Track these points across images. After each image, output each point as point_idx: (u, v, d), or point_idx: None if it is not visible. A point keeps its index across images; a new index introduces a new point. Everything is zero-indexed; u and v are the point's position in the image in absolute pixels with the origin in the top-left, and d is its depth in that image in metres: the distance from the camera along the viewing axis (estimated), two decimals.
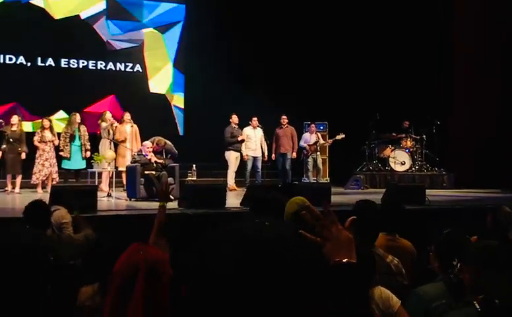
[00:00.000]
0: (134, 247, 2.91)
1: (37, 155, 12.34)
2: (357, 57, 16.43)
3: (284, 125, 14.71)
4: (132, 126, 13.07)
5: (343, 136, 14.82)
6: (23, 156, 12.30)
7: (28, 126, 14.18)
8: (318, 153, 15.06)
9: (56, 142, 12.53)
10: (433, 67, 16.03)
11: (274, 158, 14.53)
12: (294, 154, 14.69)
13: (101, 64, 16.16)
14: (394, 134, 15.96)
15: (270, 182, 13.68)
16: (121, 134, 12.99)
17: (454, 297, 3.20)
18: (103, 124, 13.00)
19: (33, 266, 3.23)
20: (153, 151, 11.65)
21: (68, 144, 12.54)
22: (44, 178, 12.29)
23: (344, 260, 1.73)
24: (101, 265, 3.17)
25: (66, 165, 12.59)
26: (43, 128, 12.48)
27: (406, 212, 4.86)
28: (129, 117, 13.18)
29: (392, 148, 15.75)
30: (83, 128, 12.86)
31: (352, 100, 16.00)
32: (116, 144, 12.86)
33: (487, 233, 5.11)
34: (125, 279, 2.79)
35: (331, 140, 15.24)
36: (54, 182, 12.20)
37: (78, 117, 12.85)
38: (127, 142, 12.92)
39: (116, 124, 13.11)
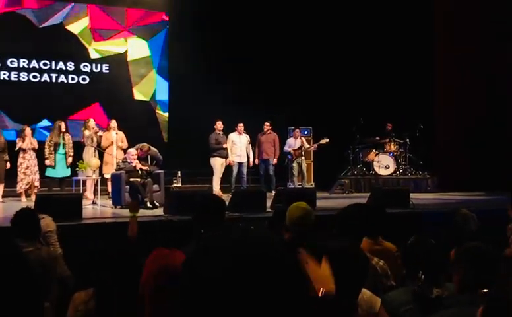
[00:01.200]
0: (157, 255, 2.93)
1: (18, 163, 12.29)
2: (340, 62, 16.52)
3: (267, 131, 14.74)
4: (117, 133, 13.04)
5: (327, 140, 14.88)
6: (8, 165, 12.24)
7: (11, 134, 14.09)
8: (303, 158, 15.10)
9: (36, 148, 12.44)
10: (414, 70, 16.12)
11: (256, 164, 14.53)
12: (275, 161, 14.72)
13: (85, 71, 16.10)
14: (378, 138, 16.05)
15: (254, 187, 13.73)
16: (107, 141, 12.96)
17: (420, 309, 3.26)
18: (87, 132, 12.96)
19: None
20: (138, 157, 11.64)
21: (53, 152, 12.49)
22: (27, 187, 12.23)
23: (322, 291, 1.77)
24: (95, 271, 3.17)
25: (50, 173, 12.53)
26: (23, 137, 12.41)
27: (388, 215, 4.91)
28: (115, 125, 13.14)
29: (376, 152, 15.85)
30: (67, 136, 12.81)
31: (336, 105, 16.07)
32: (101, 152, 12.83)
33: (444, 234, 5.19)
34: (162, 283, 2.82)
35: (316, 145, 15.29)
36: (36, 190, 12.14)
37: (62, 126, 12.79)
38: (113, 150, 12.88)
39: (100, 132, 13.07)
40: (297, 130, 15.36)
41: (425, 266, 3.46)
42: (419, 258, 3.56)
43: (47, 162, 12.44)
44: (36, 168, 12.42)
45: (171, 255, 2.97)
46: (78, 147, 12.94)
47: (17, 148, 12.32)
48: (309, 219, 4.31)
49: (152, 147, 12.17)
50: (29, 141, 12.39)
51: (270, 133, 14.75)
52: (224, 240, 1.30)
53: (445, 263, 3.56)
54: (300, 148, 15.04)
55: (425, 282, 3.36)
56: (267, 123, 14.73)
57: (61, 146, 12.61)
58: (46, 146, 12.52)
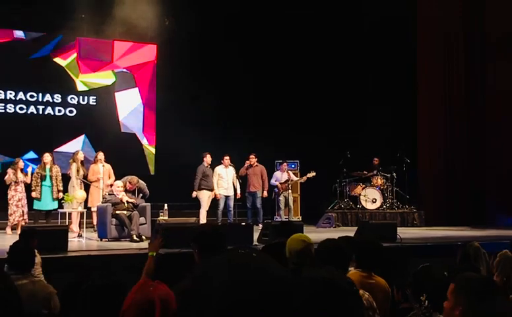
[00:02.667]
0: (143, 284, 2.91)
1: (9, 196, 12.20)
2: (327, 96, 16.66)
3: (253, 164, 14.73)
4: (103, 166, 12.98)
5: (314, 174, 14.91)
6: None
7: None
8: (289, 191, 15.10)
9: (28, 182, 12.38)
10: (399, 106, 16.26)
11: (239, 197, 14.43)
12: (265, 193, 14.70)
13: (71, 104, 16.08)
14: (364, 172, 16.10)
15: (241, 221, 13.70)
16: (94, 173, 12.90)
17: None
18: (73, 164, 12.91)
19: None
20: (125, 190, 11.60)
21: (39, 184, 12.41)
22: (20, 218, 12.13)
23: None
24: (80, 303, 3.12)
25: (37, 206, 12.43)
26: (15, 169, 12.34)
27: (384, 250, 4.90)
28: (102, 157, 13.08)
29: (363, 186, 15.88)
30: (55, 169, 12.71)
31: (323, 138, 16.15)
32: (87, 184, 12.76)
33: (457, 268, 5.19)
34: (139, 315, 2.80)
35: (303, 178, 15.31)
36: (23, 222, 12.04)
37: (45, 157, 12.70)
38: (99, 182, 12.81)
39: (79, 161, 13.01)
40: (285, 163, 15.38)
41: (431, 291, 3.46)
42: (426, 284, 3.56)
43: (33, 194, 12.36)
44: (25, 201, 12.35)
45: (156, 288, 2.95)
46: (65, 179, 12.86)
47: (9, 181, 12.22)
48: (309, 252, 4.30)
49: (140, 180, 12.13)
50: (21, 174, 12.32)
51: (256, 165, 14.75)
52: (226, 265, 1.30)
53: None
54: (287, 181, 15.06)
55: (429, 307, 3.36)
56: (252, 156, 14.73)
57: (48, 178, 12.53)
58: (33, 178, 12.46)
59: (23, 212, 12.19)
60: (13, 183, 12.24)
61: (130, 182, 11.84)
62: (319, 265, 4.13)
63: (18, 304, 3.10)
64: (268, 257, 1.40)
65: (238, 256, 1.33)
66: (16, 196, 12.20)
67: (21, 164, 12.48)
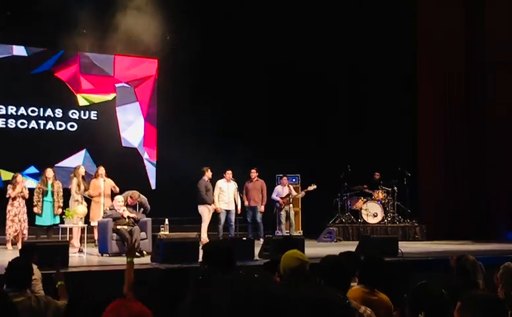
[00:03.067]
0: (117, 303, 2.87)
1: (6, 211, 12.18)
2: (329, 110, 16.67)
3: (254, 178, 14.73)
4: (105, 180, 12.97)
5: (315, 187, 14.91)
6: None
7: None
8: (291, 206, 15.09)
9: (26, 197, 12.36)
10: (400, 119, 16.28)
11: (240, 212, 14.40)
12: (262, 208, 14.68)
13: (72, 118, 16.10)
14: (365, 186, 16.09)
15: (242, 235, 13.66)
16: (95, 188, 12.88)
17: None
18: (74, 179, 12.90)
19: None
20: (126, 205, 11.59)
21: (41, 199, 12.40)
22: (15, 234, 12.10)
23: None
24: None
25: (38, 221, 12.41)
26: (14, 184, 12.32)
27: (387, 266, 4.87)
28: (103, 172, 13.07)
29: (364, 200, 15.86)
30: (57, 184, 12.70)
31: (324, 152, 16.15)
32: (88, 199, 12.75)
33: (458, 284, 5.17)
34: None
35: (303, 192, 15.31)
36: (24, 238, 12.01)
37: (47, 173, 12.70)
38: (100, 197, 12.79)
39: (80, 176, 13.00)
40: (285, 178, 15.38)
41: (430, 309, 3.45)
42: (424, 300, 3.54)
43: (35, 210, 12.34)
44: (25, 216, 12.29)
45: (129, 307, 2.90)
46: (66, 194, 12.85)
47: (7, 196, 12.21)
48: (304, 269, 4.25)
49: (141, 195, 12.12)
50: (19, 189, 12.29)
51: (257, 180, 14.75)
52: (226, 291, 1.29)
53: (448, 309, 3.54)
54: (288, 195, 15.05)
55: None
56: (253, 170, 14.74)
57: (49, 194, 12.51)
58: (35, 194, 12.44)
59: (21, 227, 12.15)
60: (11, 198, 12.21)
61: (131, 197, 11.84)
62: (314, 282, 4.10)
63: None
64: (270, 276, 1.40)
65: (240, 279, 1.33)
66: (13, 211, 12.16)
67: (20, 178, 12.45)
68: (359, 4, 16.38)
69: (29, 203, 12.46)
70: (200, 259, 4.31)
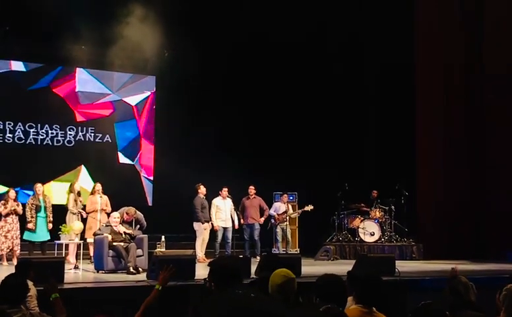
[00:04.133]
0: None
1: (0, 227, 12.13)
2: (326, 128, 16.69)
3: (252, 195, 14.70)
4: (101, 197, 12.94)
5: (311, 207, 14.90)
6: None
7: None
8: (286, 223, 15.07)
9: (19, 213, 12.30)
10: (398, 137, 16.29)
11: (237, 228, 14.36)
12: (262, 220, 14.65)
13: (70, 134, 16.09)
14: (363, 204, 16.06)
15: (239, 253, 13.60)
16: (92, 205, 12.85)
17: None
18: (71, 195, 12.87)
19: None
20: (123, 221, 11.56)
21: (35, 215, 12.34)
22: (8, 250, 12.03)
23: None
24: None
25: (30, 237, 12.33)
26: (6, 200, 12.27)
27: (384, 285, 4.84)
28: (100, 188, 13.05)
29: (362, 218, 15.82)
30: (48, 199, 12.68)
31: (321, 170, 16.13)
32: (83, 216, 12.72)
33: (458, 304, 5.13)
34: None
35: (300, 211, 15.28)
36: (17, 254, 11.95)
37: (37, 188, 12.65)
38: (97, 214, 12.75)
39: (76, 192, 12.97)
40: (285, 195, 15.38)
41: None
42: None
43: (29, 226, 12.26)
44: (18, 233, 12.25)
45: None
46: (62, 210, 12.80)
47: (2, 211, 12.16)
48: (291, 286, 4.25)
49: (137, 211, 12.08)
50: (12, 204, 12.24)
51: (254, 197, 14.72)
52: (226, 306, 1.28)
53: None
54: (284, 213, 15.03)
55: None
56: (252, 187, 14.71)
57: (42, 209, 12.47)
58: (28, 210, 12.37)
59: (13, 244, 12.09)
60: (3, 214, 12.16)
61: (127, 213, 11.80)
62: (306, 300, 4.09)
63: None
64: (265, 296, 1.38)
65: (238, 298, 1.31)
66: (6, 227, 12.11)
67: (12, 194, 12.40)
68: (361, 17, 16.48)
69: (21, 218, 12.40)
70: (206, 276, 4.32)
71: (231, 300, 1.31)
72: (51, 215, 12.58)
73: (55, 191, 14.08)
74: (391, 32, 15.83)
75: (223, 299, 1.32)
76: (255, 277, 9.84)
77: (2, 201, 12.34)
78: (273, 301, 1.26)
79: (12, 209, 12.19)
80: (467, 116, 16.16)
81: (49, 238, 12.42)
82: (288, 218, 15.12)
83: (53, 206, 12.83)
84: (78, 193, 12.99)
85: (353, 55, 16.75)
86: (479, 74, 16.20)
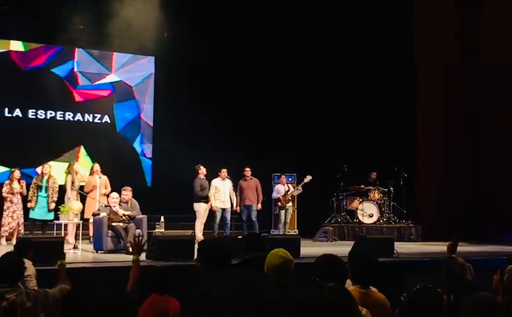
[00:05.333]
0: (154, 298, 2.89)
1: (5, 207, 12.13)
2: (325, 109, 16.66)
3: (248, 177, 14.67)
4: (100, 177, 12.93)
5: (310, 178, 14.75)
6: None
7: None
8: (290, 204, 15.03)
9: (24, 193, 12.34)
10: (397, 119, 16.29)
11: (238, 211, 14.40)
12: (259, 206, 14.63)
13: (69, 115, 16.08)
14: (362, 186, 16.07)
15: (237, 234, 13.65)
16: (90, 185, 12.85)
17: None
18: (69, 176, 12.87)
19: None
20: (120, 202, 11.56)
21: (36, 194, 12.37)
22: (12, 230, 12.07)
23: None
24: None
25: (31, 215, 12.38)
26: (11, 180, 12.29)
27: (380, 264, 4.87)
28: (98, 169, 13.04)
29: (360, 200, 15.85)
30: (52, 180, 12.67)
31: (320, 151, 16.13)
32: (83, 196, 12.71)
33: (461, 284, 5.15)
34: None
35: (300, 187, 15.17)
36: (18, 233, 11.98)
37: (47, 168, 12.68)
38: (96, 194, 12.75)
39: (79, 174, 12.97)
40: (284, 176, 15.35)
41: (431, 314, 3.44)
42: (424, 305, 3.53)
43: (29, 204, 12.30)
44: (22, 212, 12.28)
45: (166, 302, 2.92)
46: (62, 191, 12.81)
47: (5, 192, 12.17)
48: (288, 267, 4.25)
49: (134, 200, 11.98)
50: (18, 185, 12.26)
51: (251, 178, 14.69)
52: (223, 291, 1.27)
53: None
54: (287, 193, 15.00)
55: None
56: (247, 169, 14.65)
57: (43, 189, 12.48)
58: (30, 188, 12.41)
59: (18, 224, 12.12)
60: (8, 195, 12.19)
61: (124, 190, 11.79)
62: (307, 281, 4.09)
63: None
64: (265, 278, 1.38)
65: (238, 277, 1.31)
66: (12, 207, 12.15)
67: (17, 174, 12.42)
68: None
69: (24, 198, 12.44)
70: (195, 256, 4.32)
71: (227, 277, 1.30)
72: (55, 196, 12.54)
73: (54, 172, 14.05)
74: (390, 24, 15.80)
75: (224, 277, 1.32)
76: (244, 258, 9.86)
77: (7, 181, 12.35)
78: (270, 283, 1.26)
79: (18, 191, 12.20)
80: (466, 97, 16.16)
81: (50, 218, 12.41)
82: (290, 197, 15.09)
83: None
84: (77, 174, 12.98)
85: (354, 40, 16.67)
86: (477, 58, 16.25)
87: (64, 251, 8.99)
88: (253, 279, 1.35)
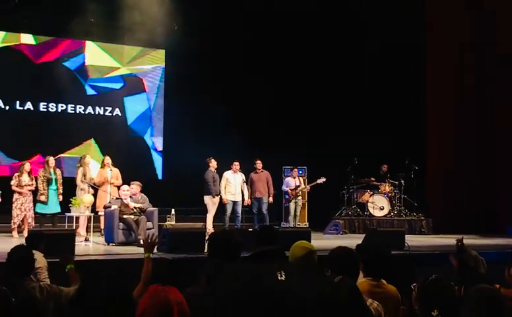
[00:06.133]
0: (155, 288, 2.90)
1: (13, 199, 12.19)
2: (335, 102, 16.62)
3: (259, 169, 14.66)
4: (111, 170, 12.97)
5: (324, 180, 14.83)
6: None
7: (5, 169, 14.02)
8: (299, 198, 15.05)
9: (33, 187, 12.39)
10: (408, 111, 16.24)
11: (249, 203, 14.41)
12: (271, 199, 14.62)
13: (80, 108, 16.12)
14: (372, 179, 16.03)
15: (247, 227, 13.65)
16: (101, 178, 12.89)
17: None
18: (80, 169, 12.91)
19: None
20: (130, 195, 11.58)
21: (46, 188, 12.42)
22: (20, 222, 12.13)
23: None
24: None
25: (42, 209, 12.42)
26: (21, 172, 12.35)
27: (392, 257, 4.85)
28: (109, 161, 13.08)
29: (371, 193, 15.80)
30: (58, 171, 12.74)
31: (331, 144, 16.11)
32: (94, 189, 12.75)
33: (457, 275, 5.14)
34: None
35: (312, 185, 15.21)
36: (30, 227, 12.03)
37: (50, 161, 12.71)
38: (107, 187, 12.79)
39: (89, 166, 13.01)
40: (295, 170, 15.33)
41: (443, 305, 3.43)
42: (437, 296, 3.52)
43: (42, 198, 12.35)
44: (31, 204, 12.33)
45: (167, 292, 2.92)
46: (73, 183, 12.85)
47: (13, 185, 12.23)
48: (312, 259, 4.27)
49: (143, 195, 11.98)
50: (27, 178, 12.32)
51: (262, 171, 14.68)
52: (237, 288, 1.28)
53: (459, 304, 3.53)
54: (297, 187, 14.99)
55: None
56: (258, 161, 14.64)
57: (53, 182, 12.54)
58: (40, 182, 12.45)
59: (26, 216, 12.18)
60: (18, 187, 12.25)
61: (132, 186, 11.81)
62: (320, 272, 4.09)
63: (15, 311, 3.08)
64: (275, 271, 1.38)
65: (248, 270, 1.31)
66: (20, 200, 12.20)
67: (27, 167, 12.47)
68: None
69: (33, 192, 12.49)
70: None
71: (243, 271, 1.31)
72: (61, 188, 12.65)
73: (65, 165, 14.12)
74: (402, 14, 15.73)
75: (234, 270, 1.32)
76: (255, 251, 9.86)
77: (17, 173, 12.41)
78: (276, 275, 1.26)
79: (28, 183, 12.25)
80: (477, 89, 16.06)
81: (59, 210, 12.49)
82: (300, 192, 15.10)
83: (63, 179, 12.88)
84: (89, 167, 13.02)
85: (365, 33, 16.59)
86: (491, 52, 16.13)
87: (76, 243, 9.08)
88: (262, 272, 1.35)
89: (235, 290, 1.30)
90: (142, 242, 10.63)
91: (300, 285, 1.35)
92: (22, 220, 12.18)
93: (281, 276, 1.35)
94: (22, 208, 12.16)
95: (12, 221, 12.14)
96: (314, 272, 4.16)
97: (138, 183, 11.96)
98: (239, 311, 1.26)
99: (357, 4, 16.25)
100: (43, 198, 12.36)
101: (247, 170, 14.41)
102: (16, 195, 12.21)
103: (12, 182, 12.26)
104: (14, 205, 12.15)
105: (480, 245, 11.10)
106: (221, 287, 1.32)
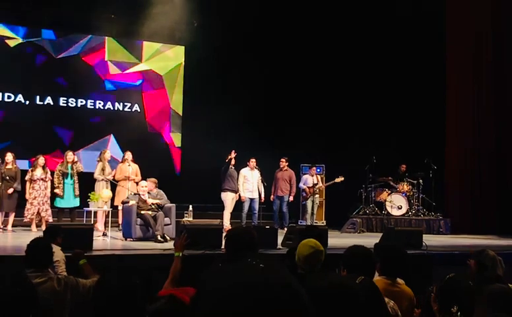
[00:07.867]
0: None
1: (27, 194, 12.29)
2: (355, 101, 16.56)
3: (283, 167, 14.67)
4: (130, 165, 13.02)
5: (342, 179, 14.80)
6: (10, 190, 12.21)
7: (24, 164, 14.12)
8: (317, 196, 15.03)
9: (47, 180, 12.47)
10: (427, 110, 16.13)
11: (272, 200, 14.47)
12: (291, 198, 14.64)
13: (99, 103, 16.22)
14: (390, 178, 15.96)
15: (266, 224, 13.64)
16: (121, 173, 12.95)
17: None
18: (100, 163, 12.98)
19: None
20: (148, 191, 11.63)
21: (62, 182, 12.50)
22: (33, 216, 12.20)
23: None
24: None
25: (58, 203, 12.53)
26: (35, 166, 12.44)
27: (408, 256, 4.82)
28: (130, 157, 13.12)
29: (389, 192, 15.73)
30: (76, 166, 12.80)
31: (349, 143, 16.06)
32: (113, 184, 12.82)
33: (473, 276, 5.11)
34: None
35: (331, 183, 15.18)
36: (47, 221, 12.11)
37: (68, 155, 12.79)
38: (126, 182, 12.84)
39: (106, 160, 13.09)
40: (314, 168, 15.31)
41: (463, 302, 3.41)
42: (457, 293, 3.50)
43: (57, 191, 12.46)
44: (46, 198, 12.41)
45: (183, 292, 2.92)
46: (92, 178, 12.92)
47: (27, 178, 12.34)
48: (318, 257, 4.23)
49: (160, 191, 12.02)
50: (41, 171, 12.41)
51: (286, 169, 14.68)
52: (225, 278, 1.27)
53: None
54: (314, 185, 14.96)
55: None
56: (283, 160, 14.67)
57: (69, 176, 12.61)
58: (55, 176, 12.55)
59: (39, 209, 12.26)
60: (32, 181, 12.34)
61: (148, 181, 11.86)
62: (326, 270, 4.07)
63: (34, 302, 3.08)
64: (277, 267, 1.36)
65: (243, 270, 1.30)
66: (33, 194, 12.30)
67: (41, 161, 12.55)
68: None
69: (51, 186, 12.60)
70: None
71: (235, 271, 1.30)
72: (77, 185, 12.71)
73: (84, 160, 14.20)
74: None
75: (227, 269, 1.31)
76: (281, 247, 9.87)
77: (30, 168, 12.52)
78: (283, 272, 1.24)
79: (42, 177, 12.34)
80: (496, 87, 15.88)
81: (77, 204, 12.57)
82: (317, 190, 15.08)
83: (83, 174, 12.95)
84: (108, 162, 13.09)
85: (386, 34, 16.51)
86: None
87: (94, 238, 9.13)
88: (268, 269, 1.34)
89: (219, 286, 1.28)
90: (159, 237, 10.69)
91: (279, 274, 1.33)
92: (38, 214, 12.26)
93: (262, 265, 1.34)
94: (35, 202, 12.24)
95: (26, 215, 12.24)
96: (281, 264, 4.13)
97: (153, 179, 12.00)
98: (227, 304, 1.25)
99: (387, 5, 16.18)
100: (58, 191, 12.45)
101: (265, 167, 14.40)
102: (30, 189, 12.30)
103: (26, 177, 12.37)
104: (27, 199, 12.25)
105: (499, 246, 11.00)
106: (206, 286, 1.31)
